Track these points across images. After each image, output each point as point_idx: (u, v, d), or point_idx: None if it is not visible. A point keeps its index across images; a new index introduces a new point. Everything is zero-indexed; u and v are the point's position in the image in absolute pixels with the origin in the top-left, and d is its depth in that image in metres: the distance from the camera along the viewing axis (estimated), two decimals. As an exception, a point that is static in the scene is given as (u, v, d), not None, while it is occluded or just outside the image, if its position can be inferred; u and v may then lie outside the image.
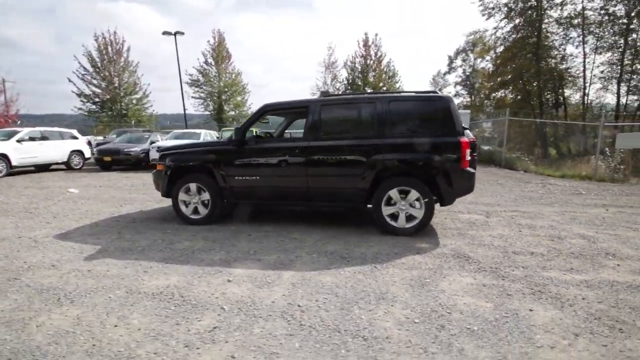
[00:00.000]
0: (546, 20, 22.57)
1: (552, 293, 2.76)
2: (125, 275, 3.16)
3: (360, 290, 2.81)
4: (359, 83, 25.39)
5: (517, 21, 23.33)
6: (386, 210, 4.27)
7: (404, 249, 3.80)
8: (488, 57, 31.72)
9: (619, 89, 22.20)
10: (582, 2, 21.67)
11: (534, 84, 23.40)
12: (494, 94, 27.88)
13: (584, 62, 22.62)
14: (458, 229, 4.56)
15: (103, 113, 26.20)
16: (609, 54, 22.19)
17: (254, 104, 28.23)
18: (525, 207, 5.96)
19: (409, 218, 4.24)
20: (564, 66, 22.90)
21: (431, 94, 4.34)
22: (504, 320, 2.36)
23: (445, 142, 4.08)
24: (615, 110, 21.72)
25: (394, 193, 4.23)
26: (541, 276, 3.08)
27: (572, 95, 24.28)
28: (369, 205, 4.43)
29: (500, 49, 25.74)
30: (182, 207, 4.94)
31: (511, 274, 3.12)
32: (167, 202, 6.49)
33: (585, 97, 23.05)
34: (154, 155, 12.85)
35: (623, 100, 22.32)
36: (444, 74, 37.84)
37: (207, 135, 15.33)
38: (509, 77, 24.07)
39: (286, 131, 6.27)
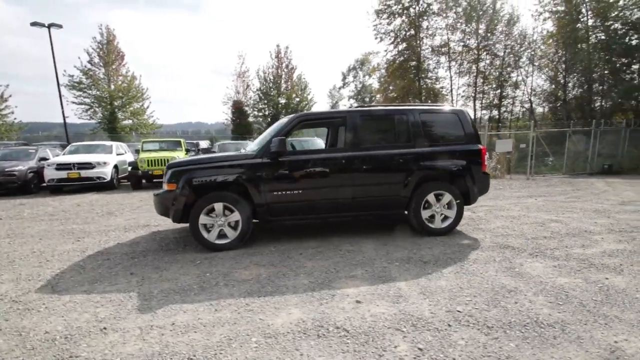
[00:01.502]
0: (423, 47, 27.10)
1: (599, 263, 3.52)
2: (232, 320, 2.57)
3: (484, 286, 3.01)
4: (273, 93, 25.36)
5: (401, 47, 27.30)
6: (424, 214, 4.58)
7: (456, 247, 4.16)
8: (374, 76, 35.98)
9: (474, 105, 28.14)
10: (447, 34, 26.88)
11: (417, 100, 27.62)
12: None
13: (451, 83, 27.97)
14: (470, 226, 5.21)
15: None
16: (467, 77, 28.04)
17: (155, 111, 24.83)
18: (484, 202, 7.15)
19: (443, 219, 4.66)
20: (438, 85, 27.82)
21: (454, 108, 4.89)
22: (605, 289, 2.92)
23: (471, 150, 4.65)
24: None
25: (431, 197, 4.58)
26: (575, 253, 3.87)
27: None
28: (405, 212, 4.66)
29: (387, 68, 29.49)
30: (204, 233, 4.19)
31: (558, 255, 3.82)
32: (134, 232, 5.38)
33: (454, 111, 28.50)
34: (52, 174, 10.19)
35: (478, 114, 28.49)
36: (339, 89, 41.10)
37: (120, 147, 12.95)
38: (398, 94, 27.75)
39: (290, 139, 5.97)
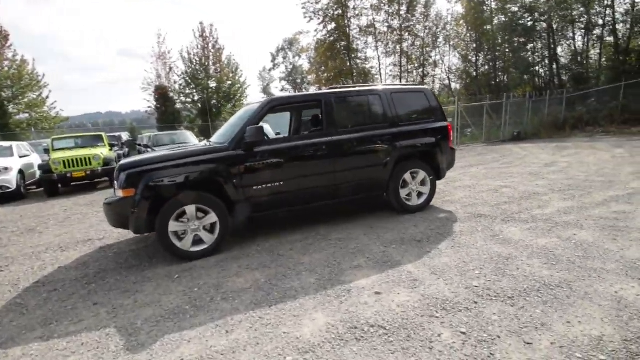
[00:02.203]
0: (352, 27, 27.37)
1: (561, 222, 3.94)
2: (252, 340, 2.22)
3: (484, 257, 3.12)
4: (201, 77, 23.28)
5: (330, 27, 27.18)
6: (402, 193, 4.62)
7: (439, 222, 4.29)
8: (304, 57, 35.51)
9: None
10: (372, 15, 27.51)
11: (350, 81, 28.08)
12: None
13: (379, 63, 28.94)
14: (438, 199, 5.43)
15: None
16: (392, 57, 29.26)
17: (58, 101, 20.78)
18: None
19: (419, 195, 4.77)
20: (368, 65, 28.56)
21: (419, 86, 4.91)
22: (579, 244, 3.26)
23: (440, 127, 4.77)
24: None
25: (407, 176, 4.62)
26: (537, 215, 4.28)
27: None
28: (385, 193, 4.64)
29: (317, 49, 29.25)
30: (176, 241, 3.62)
31: (525, 218, 4.17)
32: (75, 250, 4.56)
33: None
34: None
35: (404, 92, 30.03)
36: (269, 70, 39.70)
37: (22, 148, 10.71)
38: (332, 73, 27.82)
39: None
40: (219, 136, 4.36)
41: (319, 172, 4.10)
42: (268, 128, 12.10)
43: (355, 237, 3.95)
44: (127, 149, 15.50)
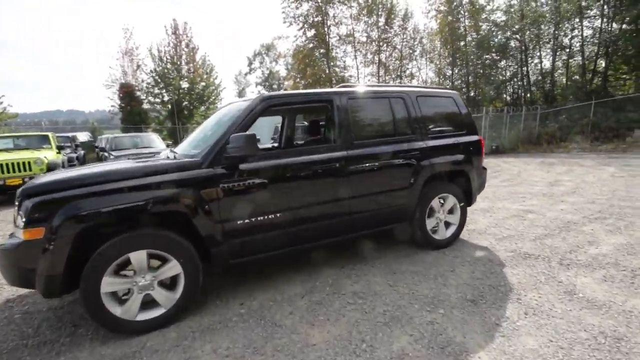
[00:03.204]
0: (331, 35, 26.61)
1: (637, 269, 3.02)
2: None
3: (582, 336, 2.07)
4: (172, 76, 21.29)
5: (310, 34, 26.26)
6: (429, 223, 3.54)
7: (481, 266, 3.24)
8: (281, 63, 34.33)
9: (379, 94, 29.17)
10: (352, 24, 26.93)
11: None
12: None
13: (358, 72, 28.36)
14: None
15: None
16: (371, 67, 28.81)
17: (5, 96, 17.76)
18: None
19: (446, 226, 3.71)
20: (347, 74, 27.87)
21: (447, 90, 3.88)
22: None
23: (473, 141, 3.76)
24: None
25: (435, 202, 3.55)
26: (596, 256, 3.34)
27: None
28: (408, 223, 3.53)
29: (295, 56, 28.20)
30: (112, 307, 2.26)
31: (586, 262, 3.22)
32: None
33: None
34: None
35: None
36: (245, 74, 38.03)
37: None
38: (310, 80, 26.82)
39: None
40: (189, 145, 3.05)
41: (330, 199, 2.91)
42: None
43: (378, 291, 2.79)
44: (82, 152, 13.41)
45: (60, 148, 9.83)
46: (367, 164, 3.05)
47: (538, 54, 21.55)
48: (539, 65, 21.67)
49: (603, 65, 18.82)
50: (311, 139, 3.98)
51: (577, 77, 19.86)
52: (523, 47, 21.07)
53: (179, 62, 21.49)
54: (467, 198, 3.80)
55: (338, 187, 2.92)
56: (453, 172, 3.64)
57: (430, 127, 3.50)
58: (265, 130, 12.52)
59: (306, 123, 13.63)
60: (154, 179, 2.36)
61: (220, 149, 2.53)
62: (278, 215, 2.70)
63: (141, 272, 2.33)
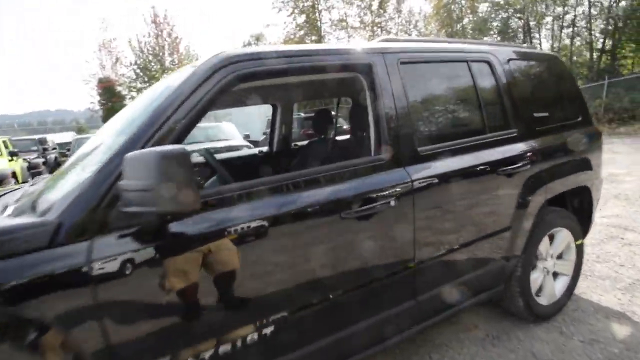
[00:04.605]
0: (323, 21, 24.63)
1: None
2: None
3: None
4: (154, 69, 19.25)
5: (300, 19, 24.25)
6: (533, 281, 1.99)
7: (624, 343, 1.72)
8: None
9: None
10: (345, 8, 24.95)
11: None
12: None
13: (352, 59, 26.49)
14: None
15: None
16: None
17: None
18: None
19: (554, 278, 2.16)
20: (340, 62, 25.96)
21: (545, 52, 2.29)
22: None
23: (592, 134, 2.19)
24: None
25: (544, 244, 2.00)
26: None
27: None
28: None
29: (286, 44, 26.20)
30: None
31: None
32: None
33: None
34: None
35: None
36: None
37: None
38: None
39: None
40: (52, 185, 1.40)
41: (385, 246, 1.36)
42: (228, 128, 8.68)
43: None
44: (53, 156, 11.58)
45: (13, 155, 8.05)
46: (441, 195, 1.48)
47: (542, 33, 19.95)
48: (545, 43, 20.06)
49: (611, 43, 17.29)
50: (314, 137, 2.40)
51: (586, 55, 18.32)
52: (528, 26, 19.39)
53: (161, 53, 19.42)
54: (585, 228, 2.26)
55: (401, 224, 1.35)
56: (573, 191, 2.07)
57: (535, 114, 1.92)
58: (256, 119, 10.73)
59: (302, 115, 11.77)
60: None
61: (105, 191, 0.92)
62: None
63: None
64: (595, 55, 17.52)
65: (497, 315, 2.13)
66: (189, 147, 1.19)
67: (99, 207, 0.92)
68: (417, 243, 1.42)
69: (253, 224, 1.09)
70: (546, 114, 1.96)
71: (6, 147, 8.10)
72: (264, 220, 1.11)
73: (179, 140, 1.04)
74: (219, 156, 2.85)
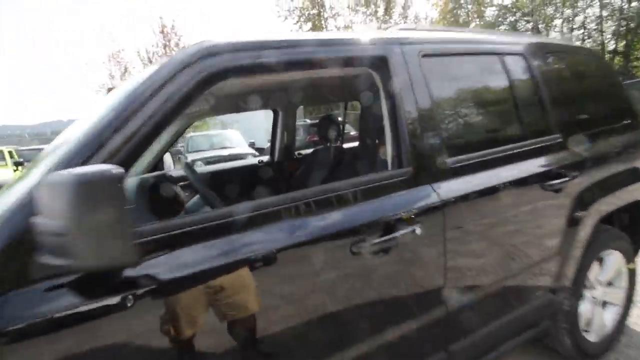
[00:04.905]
0: (329, 28, 24.58)
1: None
2: None
3: None
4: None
5: (306, 27, 24.25)
6: (581, 315, 1.66)
7: None
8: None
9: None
10: (350, 15, 24.91)
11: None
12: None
13: (358, 66, 26.38)
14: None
15: None
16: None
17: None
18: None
19: (602, 308, 1.83)
20: (346, 68, 25.87)
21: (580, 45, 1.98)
22: None
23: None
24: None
25: (593, 271, 1.67)
26: None
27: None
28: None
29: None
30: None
31: None
32: None
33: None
34: None
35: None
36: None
37: None
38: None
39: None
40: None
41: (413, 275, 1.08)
42: (233, 135, 8.59)
43: None
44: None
45: (18, 164, 7.97)
46: (477, 219, 1.18)
47: (551, 36, 19.49)
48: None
49: (624, 44, 16.77)
50: (323, 144, 2.12)
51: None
52: (537, 29, 18.99)
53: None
54: (636, 248, 1.91)
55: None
56: (623, 207, 1.74)
57: (578, 116, 1.61)
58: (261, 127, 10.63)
59: (308, 121, 11.57)
60: None
61: (23, 230, 0.66)
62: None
63: None
64: (607, 57, 16.99)
65: (536, 353, 1.80)
66: (169, 160, 0.92)
67: (17, 251, 0.65)
68: (449, 280, 1.12)
69: (232, 267, 0.81)
70: (592, 117, 1.65)
71: (11, 157, 8.03)
72: (245, 262, 0.83)
73: (136, 154, 0.78)
74: (215, 167, 2.60)
